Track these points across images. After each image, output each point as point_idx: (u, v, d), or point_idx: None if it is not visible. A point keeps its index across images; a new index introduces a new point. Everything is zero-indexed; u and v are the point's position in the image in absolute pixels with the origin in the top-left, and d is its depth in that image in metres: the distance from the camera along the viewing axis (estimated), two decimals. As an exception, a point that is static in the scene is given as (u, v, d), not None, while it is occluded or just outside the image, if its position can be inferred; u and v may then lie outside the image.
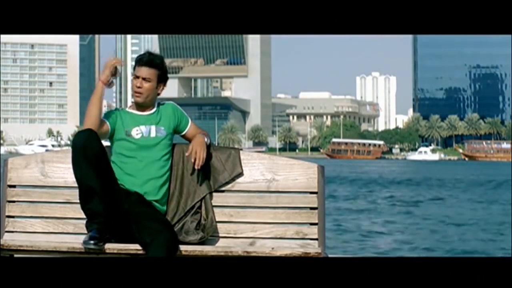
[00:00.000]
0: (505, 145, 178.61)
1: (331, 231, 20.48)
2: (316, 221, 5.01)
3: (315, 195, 5.04)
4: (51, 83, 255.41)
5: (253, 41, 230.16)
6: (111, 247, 4.75)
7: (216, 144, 5.58)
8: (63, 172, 5.13)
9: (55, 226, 5.12)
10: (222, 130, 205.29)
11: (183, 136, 5.19)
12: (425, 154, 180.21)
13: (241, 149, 5.24)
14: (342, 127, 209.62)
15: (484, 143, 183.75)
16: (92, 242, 4.72)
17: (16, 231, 5.14)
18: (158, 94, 5.09)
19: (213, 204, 5.07)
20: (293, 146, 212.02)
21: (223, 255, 4.69)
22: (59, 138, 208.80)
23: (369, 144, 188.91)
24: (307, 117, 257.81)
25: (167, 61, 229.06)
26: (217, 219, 5.04)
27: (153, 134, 5.03)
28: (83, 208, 4.84)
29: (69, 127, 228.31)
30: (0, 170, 5.41)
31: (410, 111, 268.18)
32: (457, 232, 22.54)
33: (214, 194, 5.09)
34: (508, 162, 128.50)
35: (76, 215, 5.06)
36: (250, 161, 5.13)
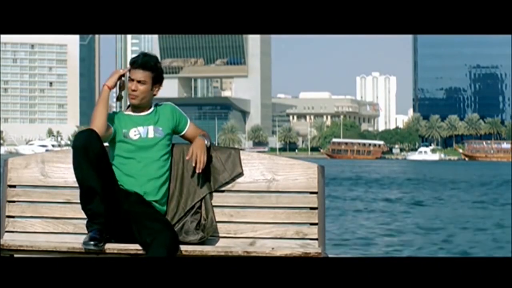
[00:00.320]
0: (505, 145, 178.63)
1: (331, 231, 20.48)
2: (316, 221, 5.01)
3: (315, 195, 5.04)
4: (51, 83, 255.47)
5: (253, 41, 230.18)
6: (111, 247, 4.75)
7: (216, 144, 5.58)
8: (63, 172, 5.13)
9: (55, 226, 5.12)
10: (222, 130, 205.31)
11: (183, 137, 5.18)
12: (425, 154, 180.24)
13: (243, 149, 5.24)
14: (342, 127, 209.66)
15: (484, 143, 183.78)
16: (92, 243, 4.72)
17: (16, 231, 5.14)
18: (154, 95, 5.09)
19: (213, 204, 5.08)
20: (293, 146, 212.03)
21: (223, 255, 4.69)
22: (59, 138, 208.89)
23: (369, 144, 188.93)
24: (307, 117, 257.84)
25: (167, 61, 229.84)
26: (217, 219, 5.04)
27: (151, 135, 5.03)
28: (83, 208, 4.83)
29: (69, 127, 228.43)
30: (0, 170, 5.41)
31: (410, 111, 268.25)
32: (457, 232, 22.54)
33: (214, 194, 5.09)
34: (508, 162, 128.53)
35: (76, 215, 5.07)
36: (250, 161, 5.13)
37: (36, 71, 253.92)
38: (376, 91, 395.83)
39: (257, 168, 5.12)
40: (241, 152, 5.17)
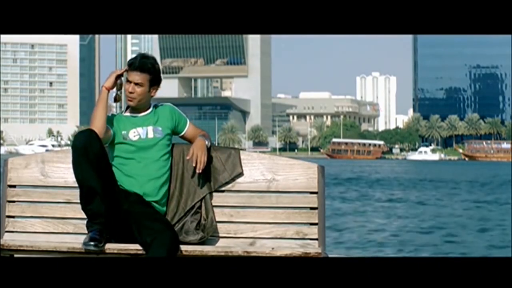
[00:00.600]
0: (505, 145, 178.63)
1: (331, 231, 20.49)
2: (316, 221, 5.01)
3: (315, 195, 5.04)
4: (51, 83, 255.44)
5: (253, 41, 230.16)
6: (111, 247, 4.75)
7: (216, 144, 5.58)
8: (63, 172, 5.13)
9: (55, 226, 5.12)
10: (222, 130, 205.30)
11: (182, 137, 5.18)
12: (425, 154, 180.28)
13: (244, 149, 5.24)
14: (342, 127, 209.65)
15: (484, 143, 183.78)
16: (92, 243, 4.71)
17: (16, 231, 5.14)
18: (152, 97, 5.09)
19: (213, 204, 5.07)
20: (293, 146, 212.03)
21: (223, 255, 4.69)
22: (59, 138, 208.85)
23: (369, 144, 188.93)
24: (307, 117, 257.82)
25: (167, 61, 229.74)
26: (217, 219, 5.04)
27: (150, 135, 5.03)
28: (84, 208, 4.83)
29: (69, 127, 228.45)
30: (0, 170, 5.41)
31: (410, 111, 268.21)
32: (457, 233, 22.54)
33: (214, 194, 5.09)
34: (508, 162, 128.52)
35: (76, 215, 5.06)
36: (250, 161, 5.13)
37: (36, 71, 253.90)
38: (376, 91, 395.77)
39: (257, 168, 5.12)
40: (241, 152, 5.17)
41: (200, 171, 5.02)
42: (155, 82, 5.06)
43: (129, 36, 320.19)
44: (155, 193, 4.98)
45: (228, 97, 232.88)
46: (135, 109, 5.08)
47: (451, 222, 25.77)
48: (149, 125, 5.05)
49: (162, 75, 5.15)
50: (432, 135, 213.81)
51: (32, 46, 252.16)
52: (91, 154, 4.74)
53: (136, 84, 5.00)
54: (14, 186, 5.18)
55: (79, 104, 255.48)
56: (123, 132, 5.01)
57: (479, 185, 53.33)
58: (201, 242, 4.95)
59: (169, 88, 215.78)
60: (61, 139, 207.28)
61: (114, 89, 5.06)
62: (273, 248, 4.80)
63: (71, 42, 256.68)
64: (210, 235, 5.00)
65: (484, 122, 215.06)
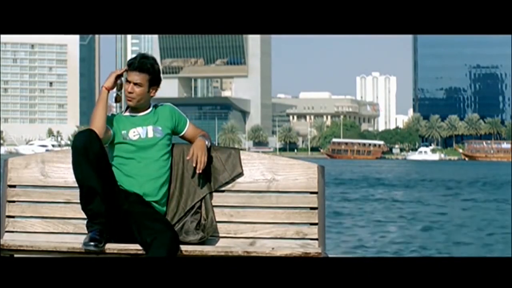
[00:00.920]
0: (505, 145, 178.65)
1: (331, 231, 20.48)
2: (316, 221, 5.01)
3: (315, 195, 5.04)
4: (51, 83, 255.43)
5: (253, 41, 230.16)
6: (111, 247, 4.75)
7: (216, 144, 5.58)
8: (63, 172, 5.13)
9: (55, 226, 5.12)
10: (222, 130, 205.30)
11: (182, 137, 5.18)
12: (425, 154, 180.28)
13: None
14: (342, 127, 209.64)
15: (484, 143, 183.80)
16: (92, 244, 4.71)
17: (16, 231, 5.14)
18: (152, 97, 5.08)
19: (213, 204, 5.07)
20: (293, 146, 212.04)
21: (223, 255, 4.69)
22: (59, 138, 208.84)
23: (369, 144, 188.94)
24: (307, 117, 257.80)
25: (167, 61, 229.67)
26: (217, 219, 5.04)
27: (150, 135, 5.03)
28: (84, 208, 4.83)
29: (69, 127, 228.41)
30: (0, 170, 5.41)
31: (410, 111, 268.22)
32: (457, 233, 22.54)
33: (214, 194, 5.09)
34: (508, 162, 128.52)
35: (76, 215, 5.06)
36: (250, 161, 5.13)
37: (36, 71, 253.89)
38: (376, 91, 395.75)
39: (257, 168, 5.12)
40: (241, 152, 5.17)
41: (200, 171, 5.02)
42: (154, 82, 5.05)
43: (129, 36, 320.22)
44: (155, 193, 4.98)
45: (228, 97, 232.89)
46: (134, 109, 5.08)
47: (451, 222, 25.76)
48: (149, 125, 5.04)
49: (162, 75, 5.14)
50: (432, 135, 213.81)
51: (32, 46, 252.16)
52: (91, 154, 4.74)
53: (135, 84, 5.00)
54: (14, 186, 5.18)
55: (79, 104, 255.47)
56: (123, 132, 5.01)
57: (479, 185, 53.34)
58: (201, 242, 4.95)
59: (169, 88, 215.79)
60: (61, 139, 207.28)
61: (115, 90, 5.06)
62: (273, 248, 4.80)
63: (71, 42, 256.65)
64: (210, 235, 5.00)
65: (484, 122, 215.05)
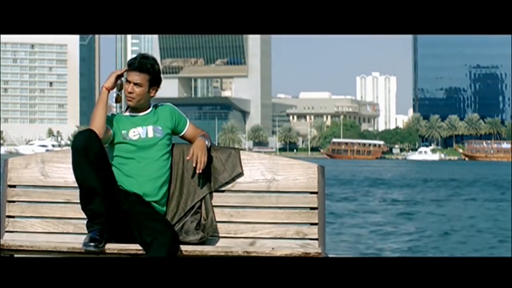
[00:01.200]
0: (505, 145, 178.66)
1: (331, 231, 20.48)
2: (316, 221, 5.01)
3: (315, 195, 5.04)
4: (51, 83, 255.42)
5: (253, 41, 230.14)
6: (111, 247, 4.75)
7: (216, 144, 5.58)
8: (63, 172, 5.13)
9: (55, 226, 5.12)
10: (222, 130, 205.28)
11: (182, 137, 5.18)
12: (425, 154, 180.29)
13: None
14: (342, 127, 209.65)
15: (484, 143, 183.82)
16: (92, 244, 4.71)
17: (16, 231, 5.14)
18: (152, 97, 5.08)
19: (213, 204, 5.08)
20: (293, 146, 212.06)
21: (223, 255, 4.69)
22: (59, 138, 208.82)
23: (369, 144, 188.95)
24: (307, 117, 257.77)
25: (167, 61, 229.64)
26: (217, 219, 5.04)
27: (150, 135, 5.03)
28: (84, 209, 4.83)
29: (69, 127, 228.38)
30: (0, 170, 5.41)
31: (410, 111, 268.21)
32: (457, 233, 22.54)
33: (214, 194, 5.09)
34: (508, 162, 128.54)
35: (76, 215, 5.06)
36: (250, 161, 5.13)
37: (36, 71, 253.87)
38: (376, 91, 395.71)
39: (257, 168, 5.12)
40: (241, 152, 5.17)
41: (200, 171, 5.02)
42: (154, 82, 5.05)
43: (129, 36, 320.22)
44: (155, 193, 4.98)
45: (228, 97, 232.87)
46: (135, 109, 5.08)
47: (451, 222, 25.77)
48: (149, 125, 5.04)
49: (162, 75, 5.14)
50: (432, 135, 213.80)
51: (32, 46, 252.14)
52: (91, 154, 4.73)
53: (135, 84, 5.00)
54: (14, 186, 5.18)
55: (79, 104, 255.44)
56: (123, 132, 5.01)
57: (479, 185, 53.34)
58: (201, 242, 4.95)
59: (169, 88, 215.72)
60: (61, 139, 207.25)
61: (115, 90, 5.06)
62: (273, 248, 4.80)
63: (71, 42, 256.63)
64: (210, 235, 5.00)
65: (484, 122, 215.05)
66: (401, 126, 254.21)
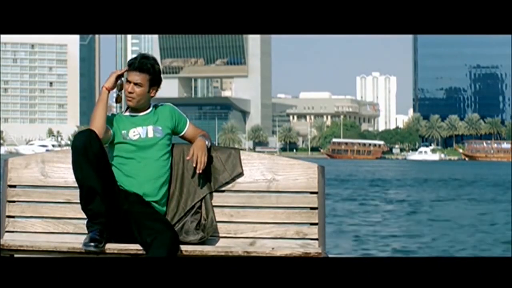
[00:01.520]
0: (505, 145, 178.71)
1: (331, 231, 20.48)
2: (316, 221, 5.01)
3: (315, 195, 5.04)
4: (51, 83, 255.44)
5: (253, 41, 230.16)
6: (111, 247, 4.75)
7: (216, 144, 5.59)
8: (63, 172, 5.12)
9: (55, 226, 5.12)
10: (222, 130, 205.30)
11: (182, 137, 5.18)
12: (425, 154, 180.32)
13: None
14: (342, 127, 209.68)
15: (484, 143, 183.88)
16: (92, 244, 4.71)
17: (16, 231, 5.14)
18: (152, 97, 5.08)
19: (213, 204, 5.07)
20: (293, 146, 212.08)
21: (223, 255, 4.69)
22: (59, 138, 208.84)
23: (369, 144, 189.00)
24: (307, 117, 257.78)
25: (167, 61, 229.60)
26: (217, 219, 5.04)
27: (150, 134, 5.02)
28: (84, 208, 4.82)
29: (69, 127, 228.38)
30: (0, 170, 5.41)
31: (410, 111, 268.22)
32: (457, 233, 22.54)
33: (214, 194, 5.09)
34: (508, 162, 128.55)
35: (76, 215, 5.06)
36: (250, 161, 5.13)
37: (36, 71, 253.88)
38: (376, 91, 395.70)
39: (257, 168, 5.12)
40: (241, 152, 5.17)
41: (200, 171, 5.02)
42: (154, 82, 5.05)
43: (129, 36, 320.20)
44: (155, 193, 4.98)
45: (228, 97, 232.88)
46: (135, 109, 5.07)
47: (451, 222, 25.76)
48: (149, 125, 5.04)
49: (162, 75, 5.14)
50: (432, 135, 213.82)
51: (32, 46, 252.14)
52: (91, 154, 4.73)
53: (135, 84, 5.00)
54: (14, 186, 5.18)
55: (79, 104, 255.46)
56: (123, 132, 5.01)
57: (479, 185, 53.34)
58: (201, 242, 4.95)
59: (169, 88, 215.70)
60: (61, 139, 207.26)
61: (115, 90, 5.06)
62: (273, 248, 4.80)
63: (71, 42, 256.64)
64: (210, 235, 5.00)
65: (484, 122, 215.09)
66: (401, 126, 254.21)
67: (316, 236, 4.98)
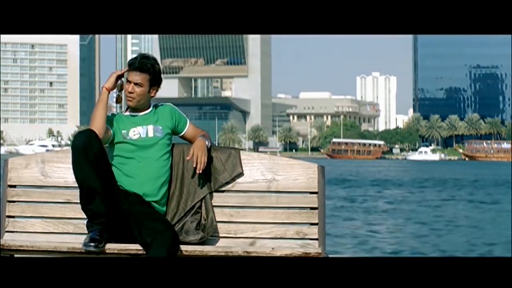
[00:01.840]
0: (505, 145, 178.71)
1: (331, 231, 20.47)
2: (316, 221, 5.01)
3: (315, 195, 5.04)
4: (51, 83, 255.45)
5: (253, 41, 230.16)
6: (111, 247, 4.75)
7: (216, 144, 5.60)
8: (63, 172, 5.13)
9: (55, 226, 5.12)
10: (222, 130, 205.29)
11: (182, 137, 5.18)
12: (426, 154, 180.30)
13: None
14: (342, 127, 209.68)
15: (484, 143, 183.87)
16: (92, 244, 4.71)
17: (16, 231, 5.14)
18: (152, 97, 5.08)
19: (213, 204, 5.07)
20: (293, 146, 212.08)
21: (223, 255, 4.69)
22: (59, 138, 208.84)
23: (369, 144, 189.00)
24: (307, 117, 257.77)
25: (167, 61, 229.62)
26: (217, 219, 5.04)
27: (150, 134, 5.02)
28: (84, 209, 4.83)
29: (69, 127, 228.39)
30: (0, 170, 5.41)
31: (410, 111, 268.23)
32: (457, 233, 22.53)
33: (214, 194, 5.09)
34: (508, 162, 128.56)
35: (76, 215, 5.06)
36: (251, 161, 5.13)
37: (36, 71, 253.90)
38: (376, 91, 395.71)
39: (257, 168, 5.12)
40: (241, 152, 5.17)
41: (200, 171, 5.02)
42: (155, 82, 5.05)
43: (129, 36, 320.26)
44: (155, 193, 4.98)
45: (228, 97, 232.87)
46: (135, 109, 5.08)
47: (451, 222, 25.76)
48: (149, 124, 5.04)
49: (162, 75, 5.14)
50: (432, 135, 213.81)
51: (32, 46, 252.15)
52: (91, 154, 4.73)
53: (135, 84, 5.00)
54: (14, 186, 5.18)
55: (79, 104, 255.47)
56: (123, 131, 5.01)
57: (479, 185, 53.34)
58: (201, 242, 4.95)
59: (169, 88, 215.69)
60: (61, 139, 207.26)
61: (115, 90, 5.06)
62: (273, 248, 4.80)
63: (71, 42, 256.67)
64: (210, 235, 5.00)
65: (484, 122, 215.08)
66: (401, 126, 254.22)
67: (316, 236, 4.98)
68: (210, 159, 5.08)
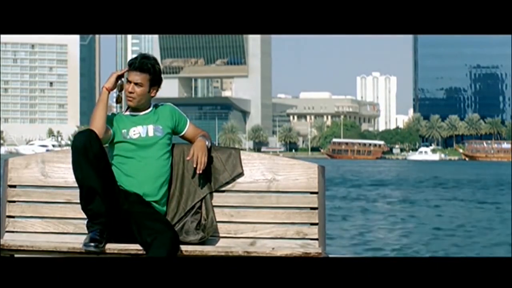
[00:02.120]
0: (506, 145, 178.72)
1: (331, 231, 20.48)
2: (317, 221, 5.01)
3: (315, 195, 5.04)
4: (51, 83, 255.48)
5: (253, 41, 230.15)
6: (112, 247, 4.75)
7: (217, 144, 5.60)
8: (64, 172, 5.12)
9: (56, 226, 5.12)
10: (222, 130, 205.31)
11: (183, 137, 5.18)
12: (426, 154, 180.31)
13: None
14: (342, 127, 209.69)
15: (484, 143, 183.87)
16: (92, 244, 4.71)
17: (16, 231, 5.14)
18: (152, 97, 5.08)
19: (214, 204, 5.07)
20: (293, 146, 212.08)
21: (224, 255, 4.69)
22: (59, 138, 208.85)
23: (370, 144, 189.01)
24: (308, 117, 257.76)
25: (167, 61, 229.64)
26: (217, 219, 5.04)
27: (151, 133, 5.02)
28: (84, 209, 4.82)
29: (70, 127, 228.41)
30: (0, 170, 5.41)
31: (411, 111, 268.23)
32: (457, 233, 22.54)
33: (214, 194, 5.09)
34: (508, 162, 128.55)
35: (76, 215, 5.06)
36: (251, 161, 5.13)
37: (36, 71, 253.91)
38: (377, 91, 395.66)
39: (257, 168, 5.12)
40: (241, 152, 5.17)
41: (201, 171, 5.02)
42: (155, 82, 5.05)
43: (129, 36, 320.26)
44: (155, 193, 4.98)
45: (228, 97, 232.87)
46: (135, 109, 5.08)
47: (451, 222, 25.77)
48: (150, 124, 5.04)
49: (162, 75, 5.14)
50: (433, 135, 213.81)
51: (32, 46, 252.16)
52: (91, 154, 4.73)
53: (135, 84, 5.00)
54: (14, 186, 5.18)
55: (79, 104, 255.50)
56: (123, 131, 5.01)
57: (479, 185, 53.35)
58: (201, 242, 4.95)
59: (169, 88, 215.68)
60: (61, 139, 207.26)
61: (115, 90, 5.06)
62: (273, 248, 4.80)
63: (71, 42, 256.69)
64: (210, 235, 5.00)
65: (485, 122, 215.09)
66: (401, 126, 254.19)
67: (316, 236, 4.98)
68: (210, 159, 5.08)
